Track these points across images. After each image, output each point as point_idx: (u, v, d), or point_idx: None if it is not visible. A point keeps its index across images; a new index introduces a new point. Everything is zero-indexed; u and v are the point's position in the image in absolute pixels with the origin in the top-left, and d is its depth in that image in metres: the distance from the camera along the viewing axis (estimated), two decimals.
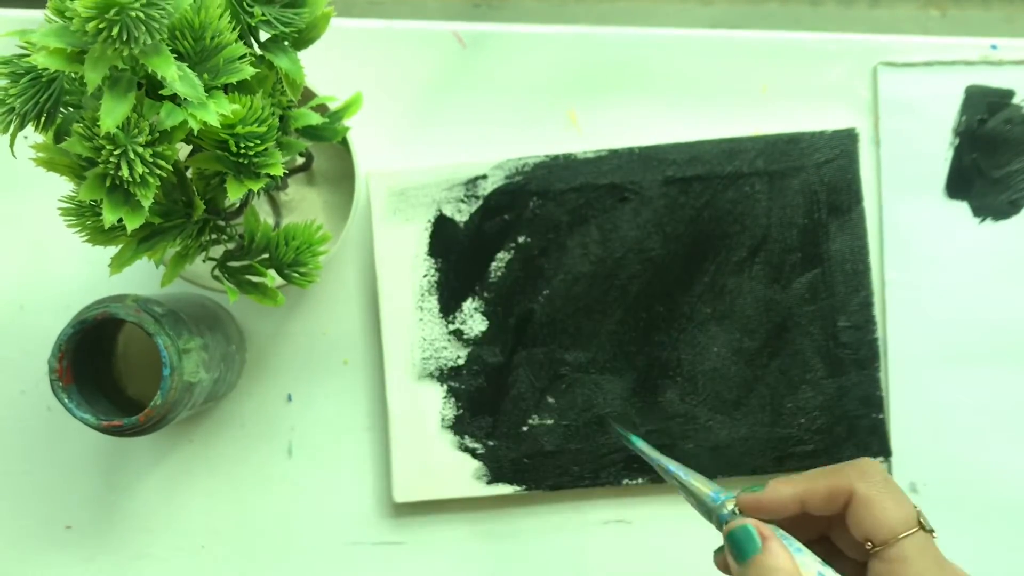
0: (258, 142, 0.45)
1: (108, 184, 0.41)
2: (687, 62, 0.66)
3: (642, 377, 0.64)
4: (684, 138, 0.65)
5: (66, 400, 0.52)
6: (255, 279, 0.52)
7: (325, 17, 0.48)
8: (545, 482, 0.64)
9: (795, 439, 0.64)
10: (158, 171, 0.41)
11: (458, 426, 0.64)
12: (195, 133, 0.43)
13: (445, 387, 0.64)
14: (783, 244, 0.64)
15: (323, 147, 0.62)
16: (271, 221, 0.61)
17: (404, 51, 0.66)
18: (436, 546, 0.66)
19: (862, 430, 0.64)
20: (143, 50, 0.37)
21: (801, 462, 0.64)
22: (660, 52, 0.66)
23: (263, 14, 0.46)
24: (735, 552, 0.44)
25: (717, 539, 0.66)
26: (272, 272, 0.52)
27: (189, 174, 0.48)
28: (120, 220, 0.42)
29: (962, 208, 0.66)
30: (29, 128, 0.42)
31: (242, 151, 0.45)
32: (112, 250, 0.48)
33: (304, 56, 0.49)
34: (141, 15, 0.36)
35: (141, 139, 0.41)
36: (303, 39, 0.49)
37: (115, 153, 0.40)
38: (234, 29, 0.43)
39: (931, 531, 0.43)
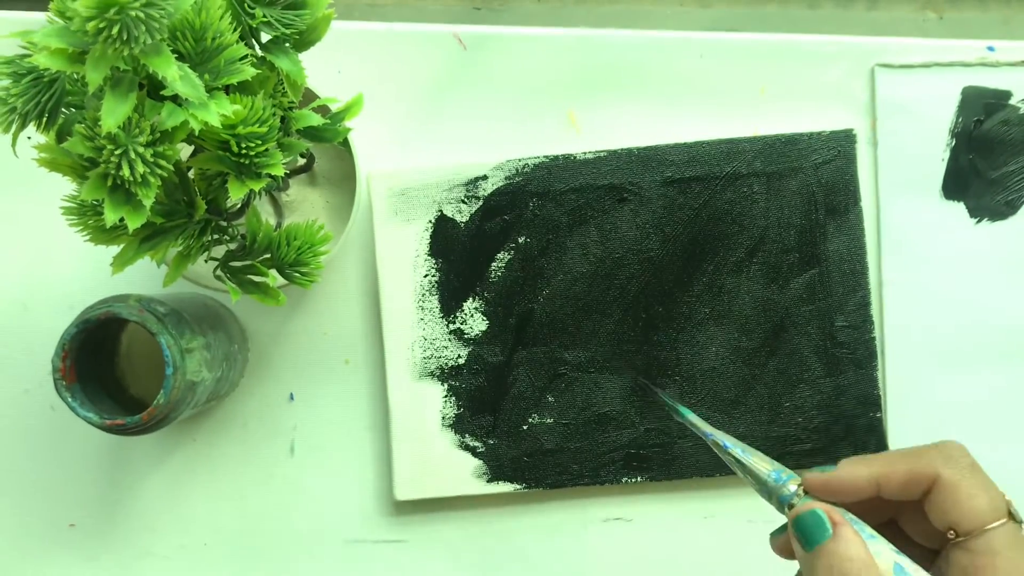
0: (259, 143, 0.45)
1: (110, 184, 0.41)
2: (686, 64, 0.67)
3: (641, 376, 0.64)
4: (683, 139, 0.65)
5: (69, 399, 0.52)
6: (257, 279, 0.52)
7: (326, 19, 0.48)
8: (545, 480, 0.64)
9: (793, 438, 0.64)
10: (159, 171, 0.42)
11: (459, 425, 0.64)
12: (196, 133, 0.43)
13: (446, 386, 0.65)
14: (781, 244, 0.64)
15: (324, 148, 0.63)
16: (273, 221, 0.62)
17: (405, 53, 0.67)
18: (437, 544, 0.66)
19: (859, 429, 0.64)
20: (144, 50, 0.38)
21: (799, 461, 0.64)
22: (659, 54, 0.67)
23: (264, 15, 0.46)
24: (802, 538, 0.41)
25: (719, 536, 0.66)
26: (274, 272, 0.52)
27: (191, 174, 0.48)
28: (122, 220, 0.42)
29: (959, 209, 0.66)
30: (31, 128, 0.43)
31: (243, 152, 0.45)
32: (114, 250, 0.48)
33: (305, 58, 0.49)
34: (141, 15, 0.36)
35: (142, 139, 0.41)
36: (304, 41, 0.49)
37: (116, 153, 0.40)
38: (235, 30, 0.44)
39: (1021, 522, 0.40)
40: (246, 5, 0.46)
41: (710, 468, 0.64)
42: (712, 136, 0.65)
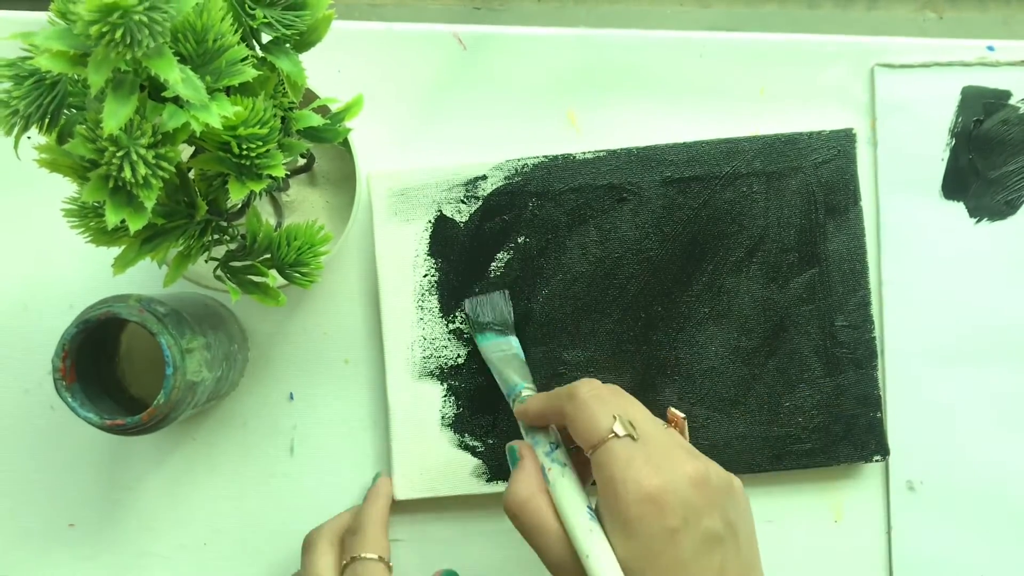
0: (260, 143, 0.45)
1: (111, 185, 0.41)
2: (685, 64, 0.67)
3: (640, 376, 0.64)
4: (682, 139, 0.65)
5: (70, 399, 0.52)
6: (257, 279, 0.52)
7: (326, 20, 0.48)
8: None
9: (792, 437, 0.64)
10: (161, 172, 0.42)
11: (458, 424, 0.64)
12: (197, 135, 0.43)
13: (445, 385, 0.65)
14: (781, 244, 0.64)
15: (324, 148, 0.63)
16: (273, 222, 0.62)
17: (405, 53, 0.67)
18: (436, 544, 0.66)
19: (859, 429, 0.64)
20: (146, 53, 0.38)
21: (798, 460, 0.64)
22: (659, 54, 0.67)
23: (265, 16, 0.46)
24: (508, 460, 0.53)
25: None
26: (274, 272, 0.52)
27: (191, 175, 0.48)
28: (123, 221, 0.42)
29: (958, 208, 0.66)
30: (33, 130, 0.43)
31: (244, 152, 0.45)
32: (115, 251, 0.48)
33: (306, 58, 0.49)
34: (144, 18, 0.36)
35: (144, 141, 0.41)
36: (305, 41, 0.49)
37: (118, 155, 0.40)
38: (236, 31, 0.44)
39: (627, 436, 0.47)
40: (247, 6, 0.46)
41: None
42: (712, 136, 0.65)
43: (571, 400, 0.50)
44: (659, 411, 0.64)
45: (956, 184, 0.66)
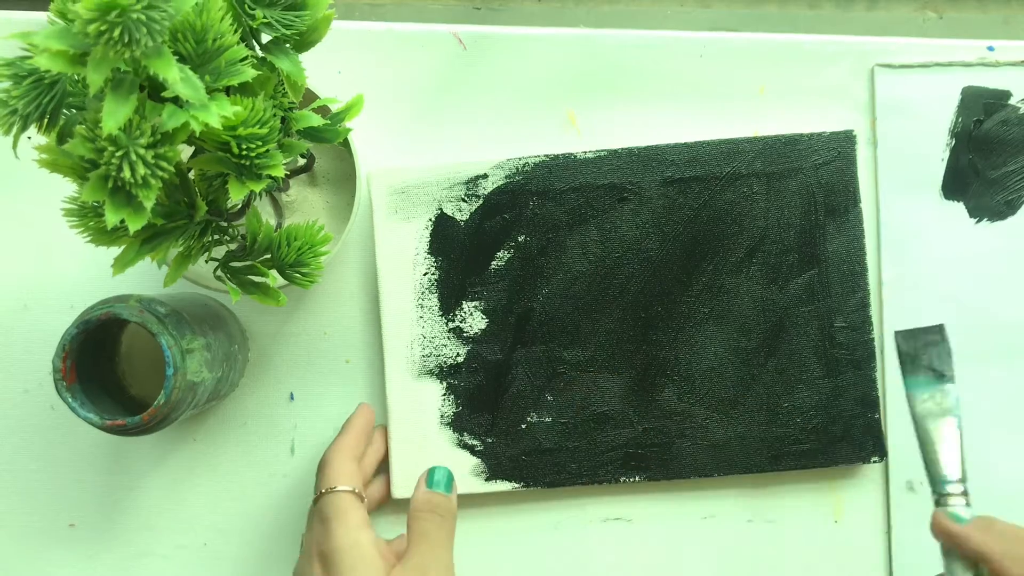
0: (260, 144, 0.45)
1: (110, 185, 0.41)
2: (686, 64, 0.67)
3: (640, 376, 0.64)
4: (683, 139, 0.65)
5: (70, 399, 0.52)
6: (257, 279, 0.52)
7: (326, 20, 0.48)
8: (543, 479, 0.64)
9: (791, 438, 0.64)
10: (160, 172, 0.42)
11: (457, 423, 0.64)
12: (197, 135, 0.43)
13: (444, 384, 0.65)
14: (781, 245, 0.64)
15: (325, 148, 0.63)
16: (273, 222, 0.62)
17: (405, 53, 0.67)
18: None
19: (858, 430, 0.64)
20: (145, 52, 0.38)
21: (797, 461, 0.64)
22: (659, 54, 0.67)
23: (264, 16, 0.46)
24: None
25: (718, 536, 0.67)
26: (274, 272, 0.52)
27: (191, 175, 0.48)
28: (122, 221, 0.42)
29: (958, 209, 0.66)
30: (32, 130, 0.43)
31: (244, 152, 0.45)
32: (115, 251, 0.48)
33: (305, 58, 0.49)
34: (142, 17, 0.36)
35: (143, 141, 0.41)
36: (304, 41, 0.49)
37: (117, 155, 0.40)
38: (236, 31, 0.44)
39: None
40: (246, 6, 0.46)
41: (709, 468, 0.64)
42: (712, 136, 0.65)
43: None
44: (658, 410, 0.64)
45: (956, 184, 0.66)
